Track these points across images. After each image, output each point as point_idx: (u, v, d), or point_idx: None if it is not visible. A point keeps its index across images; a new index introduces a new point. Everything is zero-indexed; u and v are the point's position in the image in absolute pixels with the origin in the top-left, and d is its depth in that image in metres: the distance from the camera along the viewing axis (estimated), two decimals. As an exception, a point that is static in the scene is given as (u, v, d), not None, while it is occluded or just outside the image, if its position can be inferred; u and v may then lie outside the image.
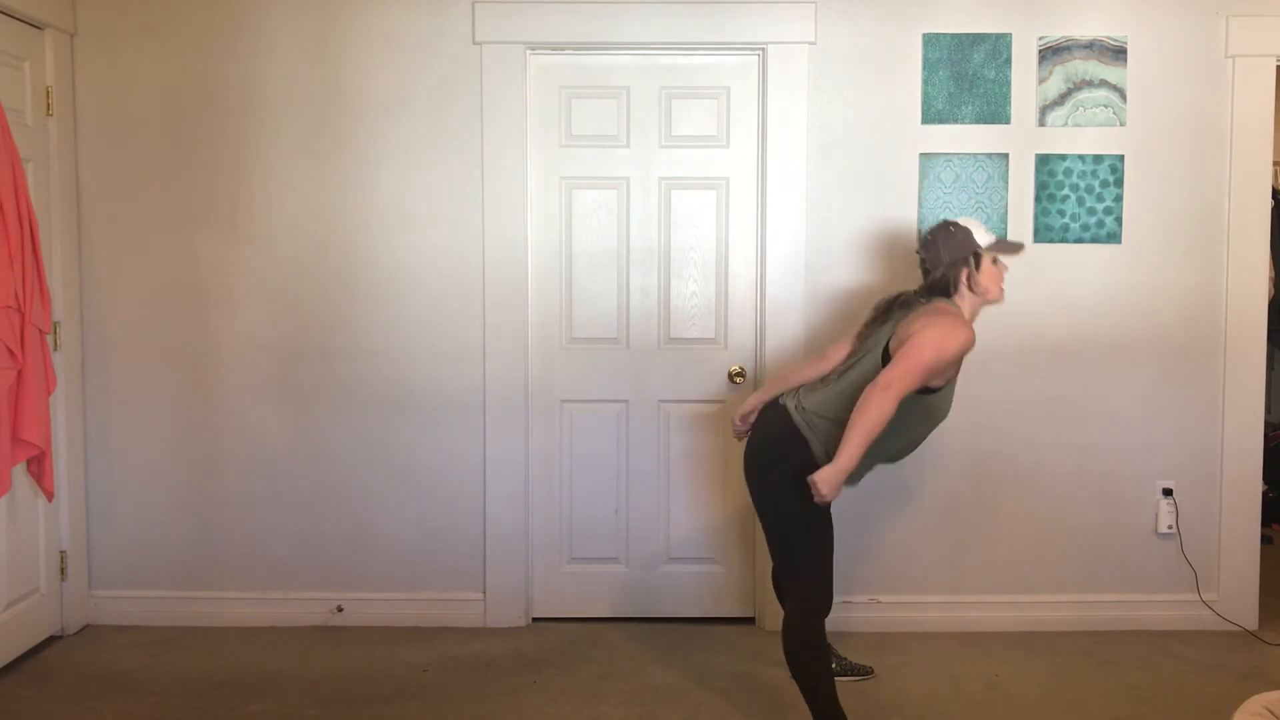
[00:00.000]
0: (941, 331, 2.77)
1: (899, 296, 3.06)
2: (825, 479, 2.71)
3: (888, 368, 2.77)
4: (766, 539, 3.04)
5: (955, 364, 2.86)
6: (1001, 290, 3.01)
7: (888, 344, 2.91)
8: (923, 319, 2.85)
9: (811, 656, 2.89)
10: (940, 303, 2.94)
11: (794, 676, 2.93)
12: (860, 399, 2.75)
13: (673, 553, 3.94)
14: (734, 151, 3.84)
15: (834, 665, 3.39)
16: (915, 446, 3.06)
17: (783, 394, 3.08)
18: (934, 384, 2.85)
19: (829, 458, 2.89)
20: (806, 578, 2.93)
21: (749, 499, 3.49)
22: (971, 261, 2.96)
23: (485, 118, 3.76)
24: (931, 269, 3.00)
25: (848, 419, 2.81)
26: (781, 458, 2.95)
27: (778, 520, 2.96)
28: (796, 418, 2.96)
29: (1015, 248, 3.00)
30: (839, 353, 3.15)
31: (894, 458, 3.07)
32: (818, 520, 2.93)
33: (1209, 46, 3.75)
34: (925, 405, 2.89)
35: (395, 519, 3.87)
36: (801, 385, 3.09)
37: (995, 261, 2.99)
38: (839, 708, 2.89)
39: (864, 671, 3.42)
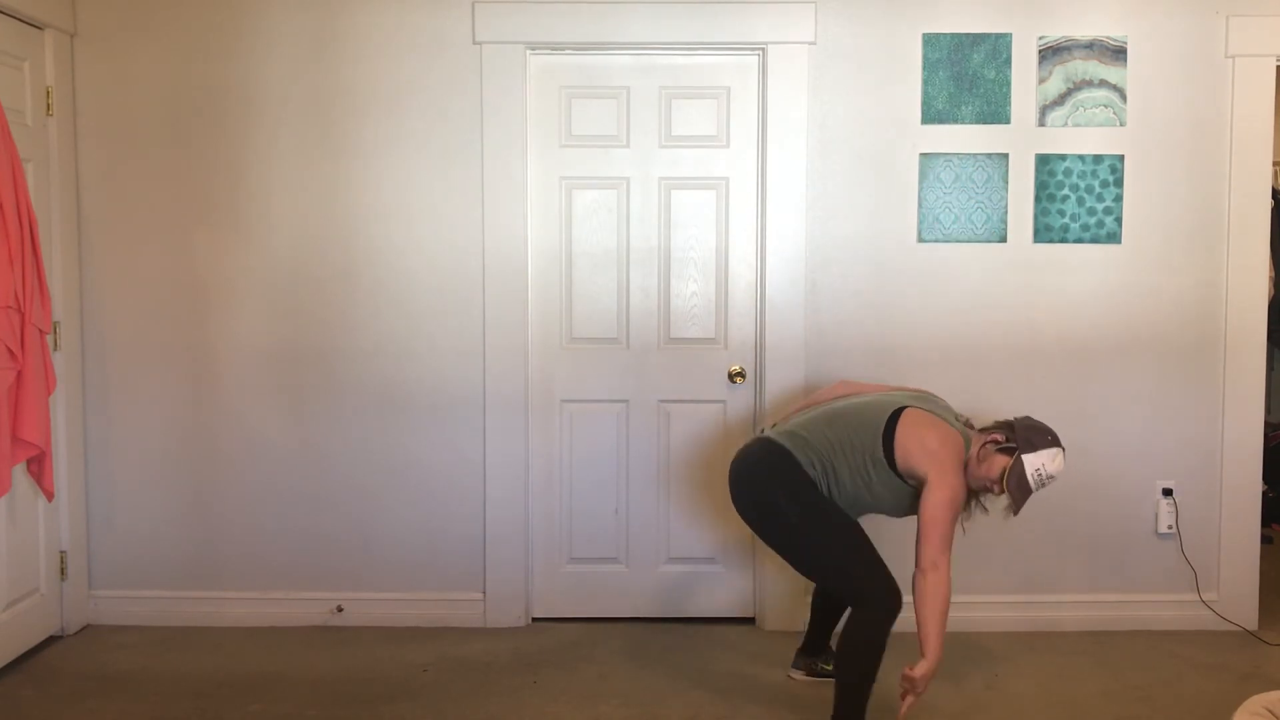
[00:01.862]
0: (948, 495, 2.82)
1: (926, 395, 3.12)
2: (921, 676, 2.77)
3: (923, 546, 2.80)
4: (800, 569, 3.02)
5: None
6: (981, 488, 2.96)
7: (892, 421, 2.92)
8: (931, 460, 2.86)
9: (867, 659, 2.86)
10: (953, 433, 2.93)
11: (838, 673, 2.91)
12: (918, 589, 2.79)
13: (673, 553, 3.94)
14: (734, 151, 3.84)
15: (831, 667, 3.37)
16: (857, 512, 3.07)
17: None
18: (912, 480, 2.92)
19: (818, 464, 2.93)
20: (857, 581, 2.90)
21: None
22: (1009, 446, 2.90)
23: (485, 118, 3.76)
24: (1000, 428, 2.98)
25: (833, 435, 2.91)
26: (769, 480, 2.95)
27: (797, 543, 2.95)
28: (774, 436, 3.00)
29: (1017, 498, 2.89)
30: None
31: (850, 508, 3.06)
32: (834, 522, 2.91)
33: (1209, 46, 3.75)
34: (891, 485, 2.94)
35: (395, 519, 3.87)
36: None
37: (1001, 482, 2.89)
38: (864, 714, 2.89)
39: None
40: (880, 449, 2.92)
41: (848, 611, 3.00)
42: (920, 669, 2.78)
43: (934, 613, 2.76)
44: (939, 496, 2.82)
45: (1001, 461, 2.90)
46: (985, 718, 3.17)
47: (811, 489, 2.93)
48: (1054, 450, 2.90)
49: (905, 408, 2.97)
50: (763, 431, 3.12)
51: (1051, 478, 2.90)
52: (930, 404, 3.05)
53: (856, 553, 2.91)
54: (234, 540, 3.88)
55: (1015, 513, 2.96)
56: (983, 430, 3.01)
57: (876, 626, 2.87)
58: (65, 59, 3.71)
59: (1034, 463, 2.87)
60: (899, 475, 2.92)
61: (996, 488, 2.92)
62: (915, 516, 2.93)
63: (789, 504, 2.93)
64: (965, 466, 2.93)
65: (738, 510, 3.07)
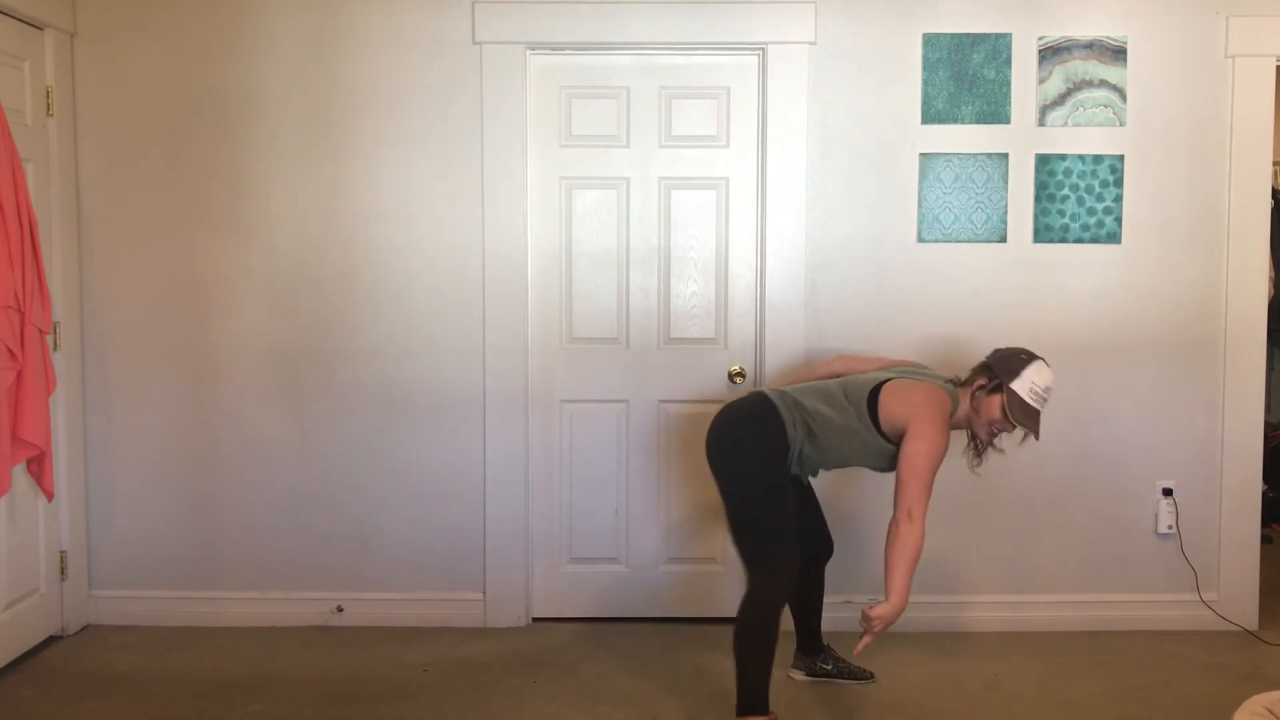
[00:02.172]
0: (929, 445, 2.85)
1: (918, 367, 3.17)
2: (880, 616, 2.78)
3: (901, 494, 2.84)
4: (728, 520, 3.03)
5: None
6: (990, 434, 2.99)
7: (876, 390, 2.97)
8: (913, 412, 2.90)
9: (760, 639, 2.90)
10: (933, 386, 2.97)
11: (734, 650, 2.93)
12: (891, 534, 2.83)
13: (673, 553, 3.94)
14: (734, 151, 3.84)
15: (830, 667, 3.39)
16: (830, 466, 3.13)
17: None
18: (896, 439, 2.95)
19: (799, 425, 2.96)
20: (763, 559, 2.94)
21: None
22: (993, 383, 2.94)
23: (485, 118, 3.76)
24: (979, 372, 3.02)
25: (822, 401, 2.98)
26: (753, 434, 2.97)
27: (741, 501, 2.98)
28: (773, 396, 3.02)
29: (1029, 424, 2.91)
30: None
31: (811, 470, 3.12)
32: (782, 500, 2.95)
33: (1209, 46, 3.75)
34: (879, 448, 2.98)
35: (395, 519, 3.87)
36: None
37: (1008, 417, 2.91)
38: (765, 692, 2.91)
39: (864, 676, 3.40)
40: (865, 410, 2.96)
41: (822, 606, 3.16)
42: (879, 610, 2.79)
43: (903, 559, 2.79)
44: (918, 446, 2.85)
45: (996, 400, 2.94)
46: (985, 718, 3.17)
47: (780, 453, 2.96)
48: (1035, 364, 2.94)
49: (890, 380, 3.02)
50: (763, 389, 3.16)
51: (1049, 389, 2.94)
52: (918, 373, 3.10)
53: (782, 537, 2.93)
54: (234, 540, 3.88)
55: (1037, 437, 2.98)
56: (965, 383, 3.04)
57: (764, 608, 2.90)
58: (65, 59, 3.71)
59: (1024, 386, 2.91)
60: (884, 436, 2.96)
61: (1007, 425, 2.94)
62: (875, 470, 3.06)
63: (759, 471, 2.94)
64: (959, 421, 2.99)
65: (707, 448, 3.07)
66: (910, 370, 3.13)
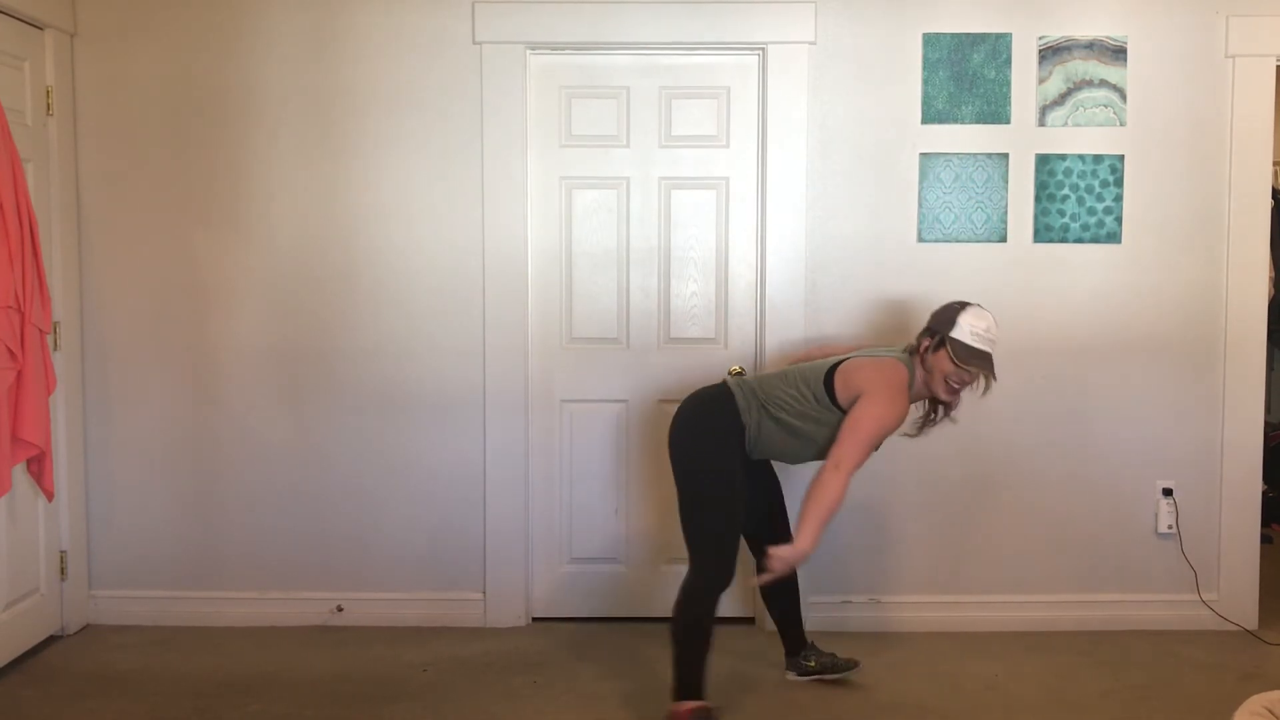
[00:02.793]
0: (881, 411, 2.92)
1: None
2: (781, 556, 2.84)
3: (836, 446, 2.91)
4: (679, 504, 3.08)
5: (901, 423, 3.01)
6: (950, 391, 3.01)
7: (833, 369, 3.03)
8: (870, 379, 2.96)
9: (694, 631, 2.96)
10: (889, 359, 3.03)
11: (672, 639, 2.98)
12: (816, 479, 2.89)
13: (672, 553, 3.93)
14: (734, 151, 3.84)
15: (813, 663, 3.37)
16: (797, 453, 3.15)
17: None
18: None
19: (754, 408, 3.02)
20: (709, 548, 2.99)
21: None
22: (935, 339, 3.00)
23: (485, 117, 3.76)
24: (922, 334, 3.09)
25: (780, 384, 3.04)
26: (707, 416, 3.03)
27: (689, 480, 3.02)
28: (731, 383, 3.12)
29: (980, 365, 2.93)
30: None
31: (776, 455, 3.16)
32: (728, 483, 2.99)
33: (1209, 46, 3.75)
34: (834, 426, 2.99)
35: (395, 519, 3.87)
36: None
37: (959, 364, 2.95)
38: (700, 682, 2.95)
39: (847, 666, 3.37)
40: (822, 389, 3.01)
41: (799, 604, 3.28)
42: (784, 550, 2.85)
43: (819, 507, 2.85)
44: (868, 409, 2.92)
45: (943, 354, 2.98)
46: (985, 718, 3.17)
47: (733, 444, 3.01)
48: (969, 310, 3.00)
49: (847, 358, 3.08)
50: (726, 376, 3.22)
51: (989, 328, 2.99)
52: (878, 350, 3.17)
53: (723, 530, 2.99)
54: (234, 540, 3.88)
55: (993, 377, 2.99)
56: (914, 351, 3.08)
57: (698, 599, 2.96)
58: (65, 59, 3.71)
59: (964, 332, 2.97)
60: (842, 410, 2.99)
61: (963, 374, 2.97)
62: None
63: (707, 461, 3.01)
64: (919, 390, 3.03)
65: (668, 435, 3.13)
66: (873, 350, 3.19)
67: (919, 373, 3.04)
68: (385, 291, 3.82)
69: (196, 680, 3.39)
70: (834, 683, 3.37)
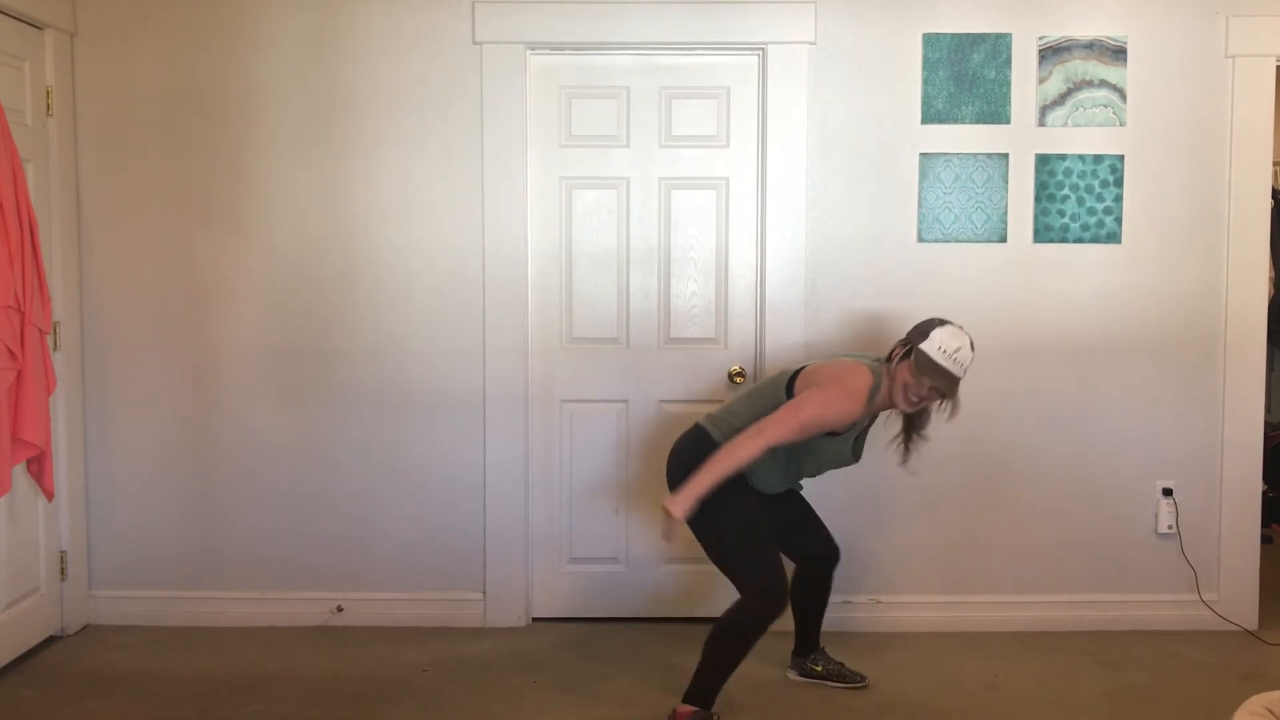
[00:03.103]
0: (826, 399, 2.91)
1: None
2: (673, 501, 2.85)
3: (773, 414, 2.91)
4: (710, 558, 3.09)
5: (849, 424, 2.97)
6: (908, 402, 2.98)
7: (796, 373, 3.05)
8: (829, 375, 2.97)
9: (733, 649, 2.98)
10: (856, 363, 3.01)
11: (705, 644, 3.01)
12: (739, 436, 2.90)
13: (672, 553, 3.94)
14: (734, 151, 3.84)
15: (820, 668, 3.38)
16: (788, 479, 3.16)
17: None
18: (836, 430, 2.97)
19: (752, 474, 3.02)
20: (745, 579, 2.99)
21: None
22: (905, 349, 2.98)
23: (485, 117, 3.76)
24: (898, 344, 3.07)
25: (748, 404, 3.04)
26: (693, 461, 2.98)
27: (701, 526, 3.01)
28: (705, 422, 3.11)
29: (935, 378, 2.90)
30: None
31: (775, 484, 3.14)
32: (744, 521, 3.00)
33: (1209, 46, 3.75)
34: (807, 445, 3.01)
35: (395, 519, 3.87)
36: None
37: (919, 377, 2.92)
38: (716, 693, 3.00)
39: (855, 680, 3.37)
40: (784, 396, 3.01)
41: (826, 608, 3.25)
42: (674, 495, 2.86)
43: (722, 461, 2.85)
44: (812, 395, 2.91)
45: (907, 364, 2.96)
46: (985, 718, 3.17)
47: (735, 482, 2.97)
48: (946, 328, 2.96)
49: (812, 364, 3.10)
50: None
51: (959, 350, 2.93)
52: (849, 355, 3.17)
53: (749, 551, 3.00)
54: (234, 540, 3.88)
55: (950, 396, 2.95)
56: (887, 360, 3.05)
57: (748, 620, 2.96)
58: (65, 59, 3.71)
59: (932, 346, 2.93)
60: None
61: (918, 386, 2.93)
62: (845, 466, 3.14)
63: (707, 499, 2.93)
64: (883, 399, 2.99)
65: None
66: (849, 354, 3.20)
67: (886, 382, 3.00)
68: (385, 291, 3.82)
69: (196, 680, 3.39)
70: (826, 686, 3.37)
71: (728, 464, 2.85)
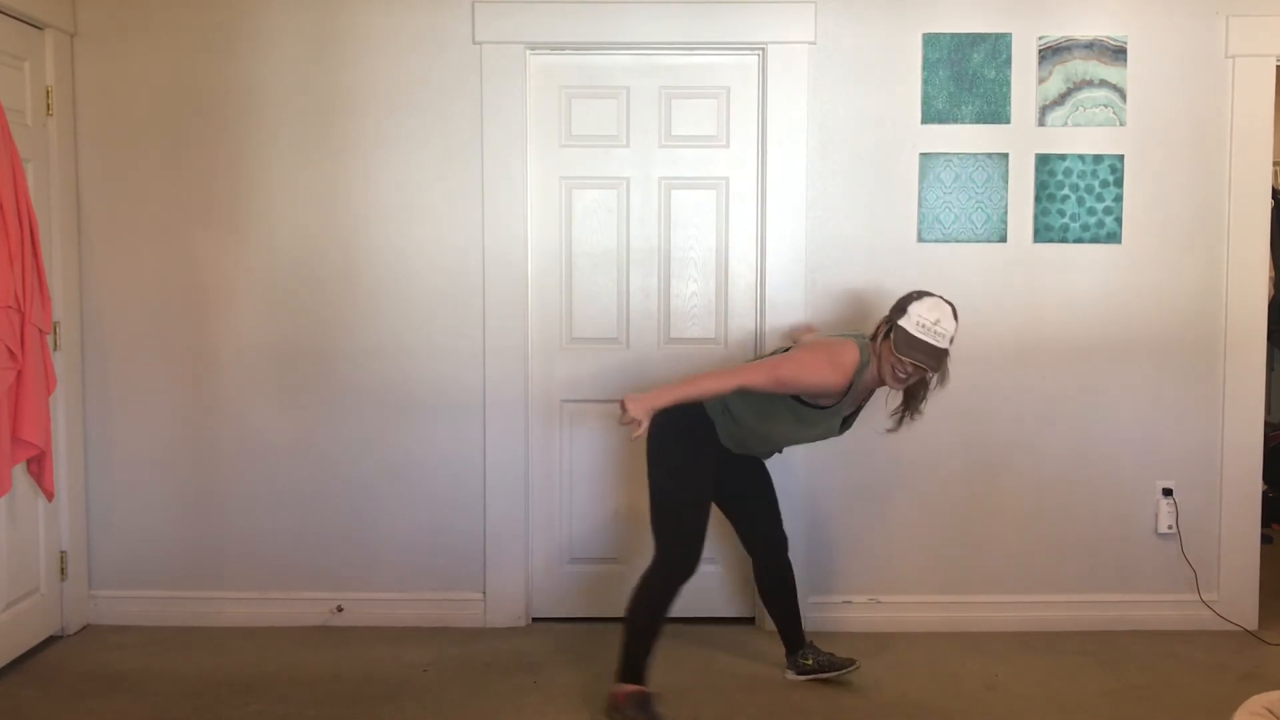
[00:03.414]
0: (810, 360, 2.94)
1: None
2: (634, 399, 2.90)
3: (751, 364, 2.99)
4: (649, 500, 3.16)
5: (833, 395, 2.96)
6: (896, 379, 2.96)
7: (789, 349, 3.11)
8: (819, 343, 3.03)
9: (646, 614, 3.08)
10: (844, 340, 3.03)
11: (625, 624, 3.11)
12: (720, 370, 3.00)
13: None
14: (734, 151, 3.84)
15: (811, 661, 3.38)
16: (777, 448, 3.21)
17: None
18: (820, 401, 2.99)
19: (727, 422, 3.08)
20: (667, 540, 3.08)
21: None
22: (887, 326, 2.97)
23: (485, 117, 3.76)
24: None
25: (744, 404, 3.05)
26: (675, 417, 3.06)
27: (655, 478, 3.10)
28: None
29: (916, 356, 2.87)
30: None
31: (750, 448, 3.19)
32: (693, 488, 3.08)
33: (1209, 46, 3.75)
34: (796, 412, 3.02)
35: (395, 519, 3.87)
36: None
37: (900, 354, 2.90)
38: (644, 663, 3.07)
39: (845, 665, 3.35)
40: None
41: (798, 601, 3.35)
42: (638, 395, 2.93)
43: (693, 384, 2.93)
44: (797, 354, 2.97)
45: (889, 342, 2.95)
46: (985, 718, 3.17)
47: (702, 438, 3.09)
48: (926, 300, 2.93)
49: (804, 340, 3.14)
50: None
51: (938, 321, 2.89)
52: (840, 333, 3.21)
53: (687, 520, 3.07)
54: (234, 540, 3.88)
55: (933, 371, 2.93)
56: (873, 337, 3.05)
57: (655, 586, 3.07)
58: (65, 59, 3.71)
59: (911, 321, 2.91)
60: (795, 397, 3.00)
61: (900, 363, 2.92)
62: (830, 438, 3.17)
63: (673, 453, 3.09)
64: (871, 376, 2.99)
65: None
66: (843, 333, 3.22)
67: (874, 360, 3.00)
68: (385, 291, 3.82)
69: (196, 680, 3.39)
70: (834, 683, 3.37)
71: (697, 388, 2.92)
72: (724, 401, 3.09)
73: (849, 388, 2.97)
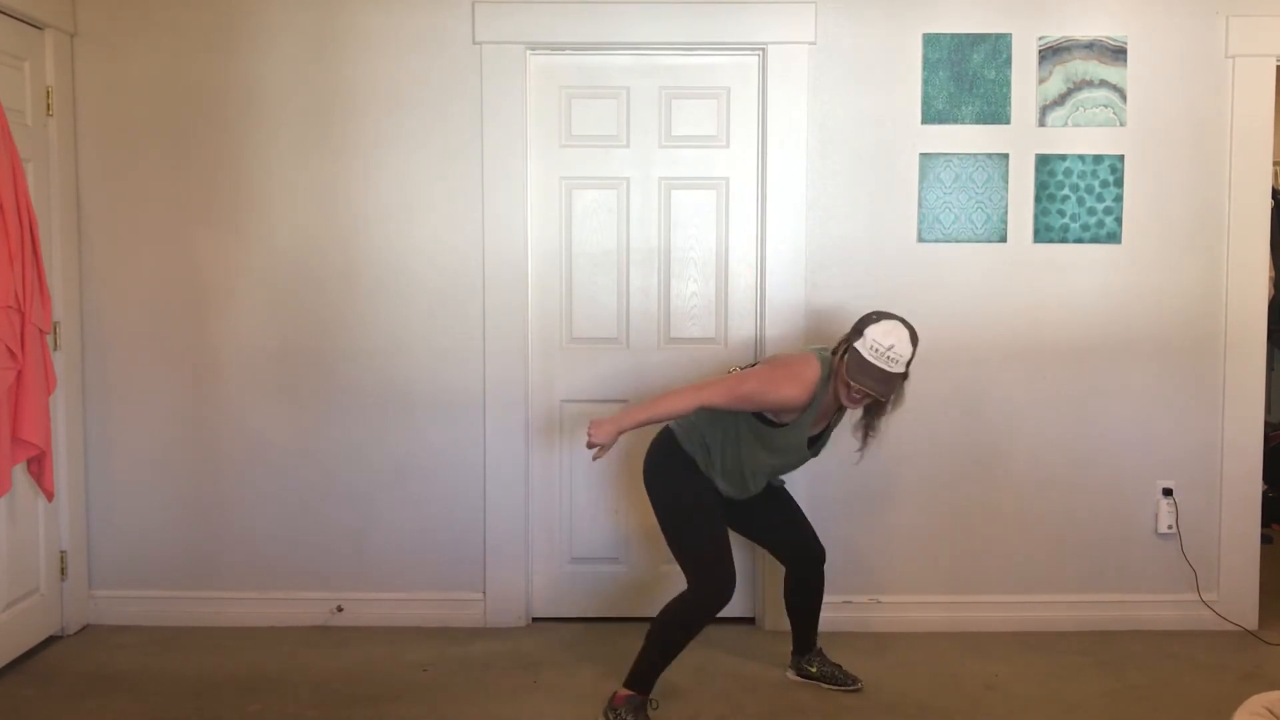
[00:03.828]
0: (771, 374, 2.96)
1: None
2: (598, 422, 2.95)
3: (713, 380, 3.01)
4: (670, 548, 3.17)
5: (795, 409, 2.96)
6: (850, 400, 2.95)
7: (752, 365, 3.14)
8: (780, 359, 3.04)
9: (672, 633, 3.05)
10: (806, 354, 3.04)
11: (649, 632, 3.09)
12: (674, 391, 3.00)
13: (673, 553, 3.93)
14: (734, 151, 3.84)
15: (814, 669, 3.38)
16: (748, 479, 3.13)
17: None
18: (782, 418, 2.98)
19: (695, 438, 3.10)
20: (691, 568, 3.06)
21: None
22: (844, 347, 2.97)
23: (485, 118, 3.76)
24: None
25: (711, 428, 3.07)
26: (656, 459, 3.15)
27: (660, 514, 3.11)
28: (673, 426, 3.16)
29: (862, 381, 2.87)
30: None
31: (731, 478, 3.13)
32: (694, 512, 3.07)
33: (1209, 46, 3.75)
34: (757, 432, 3.03)
35: (395, 519, 3.87)
36: None
37: (852, 377, 2.89)
38: (654, 678, 3.07)
39: (849, 683, 3.35)
40: None
41: (820, 609, 3.34)
42: (603, 417, 2.98)
43: (655, 405, 2.96)
44: (758, 370, 2.99)
45: (845, 364, 2.94)
46: (985, 718, 3.17)
47: (687, 471, 3.09)
48: (882, 323, 2.92)
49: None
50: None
51: (892, 347, 2.88)
52: (805, 348, 3.20)
53: (699, 541, 3.06)
54: (234, 540, 3.88)
55: (884, 397, 2.91)
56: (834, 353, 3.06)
57: (693, 610, 3.03)
58: (65, 59, 3.71)
59: (866, 344, 2.90)
60: (758, 418, 3.01)
61: (847, 385, 2.92)
62: (802, 463, 3.15)
63: (665, 490, 3.11)
64: (832, 389, 2.98)
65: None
66: (804, 348, 3.22)
67: (833, 378, 2.99)
68: (385, 291, 3.82)
69: (196, 680, 3.39)
70: (822, 687, 3.36)
71: (661, 407, 2.94)
72: (700, 433, 3.10)
73: (811, 402, 2.97)
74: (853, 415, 3.18)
